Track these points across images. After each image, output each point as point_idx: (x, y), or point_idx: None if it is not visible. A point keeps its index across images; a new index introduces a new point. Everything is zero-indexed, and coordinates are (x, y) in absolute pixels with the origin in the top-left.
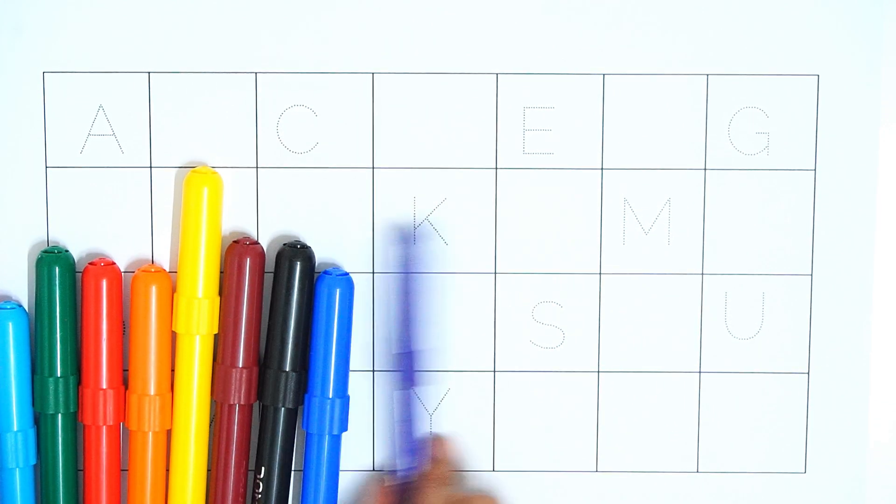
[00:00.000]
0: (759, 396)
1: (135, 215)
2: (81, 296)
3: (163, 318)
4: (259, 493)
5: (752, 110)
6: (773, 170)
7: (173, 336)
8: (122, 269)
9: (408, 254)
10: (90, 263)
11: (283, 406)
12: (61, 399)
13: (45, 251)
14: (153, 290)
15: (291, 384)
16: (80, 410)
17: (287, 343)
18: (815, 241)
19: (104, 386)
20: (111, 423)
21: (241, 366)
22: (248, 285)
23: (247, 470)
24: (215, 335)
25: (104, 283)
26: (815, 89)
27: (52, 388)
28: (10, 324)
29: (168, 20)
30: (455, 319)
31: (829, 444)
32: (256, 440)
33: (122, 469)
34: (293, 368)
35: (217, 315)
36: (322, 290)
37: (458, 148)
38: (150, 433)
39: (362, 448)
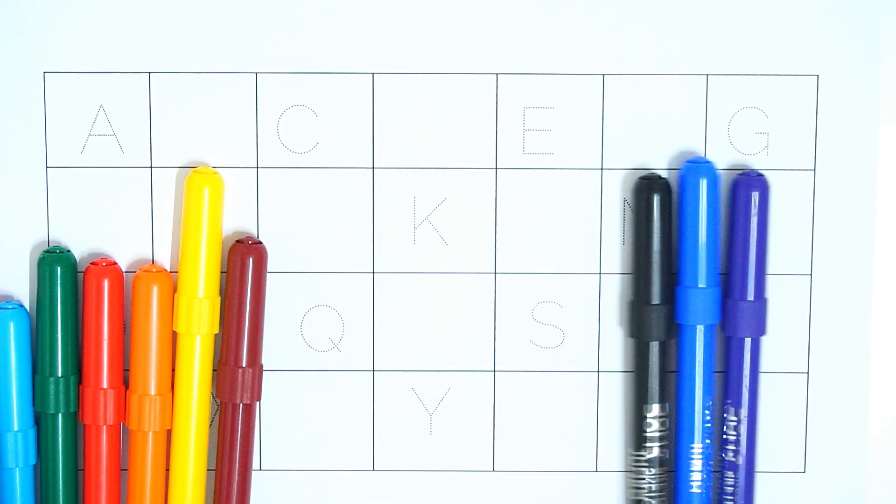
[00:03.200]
0: (759, 396)
1: (135, 215)
2: (82, 296)
3: (164, 318)
4: None
5: (752, 110)
6: (773, 170)
7: (174, 336)
8: (123, 269)
9: None
10: (92, 263)
11: None
12: (62, 399)
13: (47, 251)
14: (154, 290)
15: None
16: (80, 410)
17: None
18: (814, 240)
19: (105, 386)
20: (111, 423)
21: (245, 365)
22: (252, 285)
23: (251, 470)
24: (216, 335)
25: (105, 283)
26: (814, 89)
27: (52, 387)
28: (12, 324)
29: (168, 20)
30: (455, 319)
31: (829, 443)
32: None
33: (122, 469)
34: None
35: (217, 315)
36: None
37: (458, 148)
38: (151, 433)
39: (362, 448)
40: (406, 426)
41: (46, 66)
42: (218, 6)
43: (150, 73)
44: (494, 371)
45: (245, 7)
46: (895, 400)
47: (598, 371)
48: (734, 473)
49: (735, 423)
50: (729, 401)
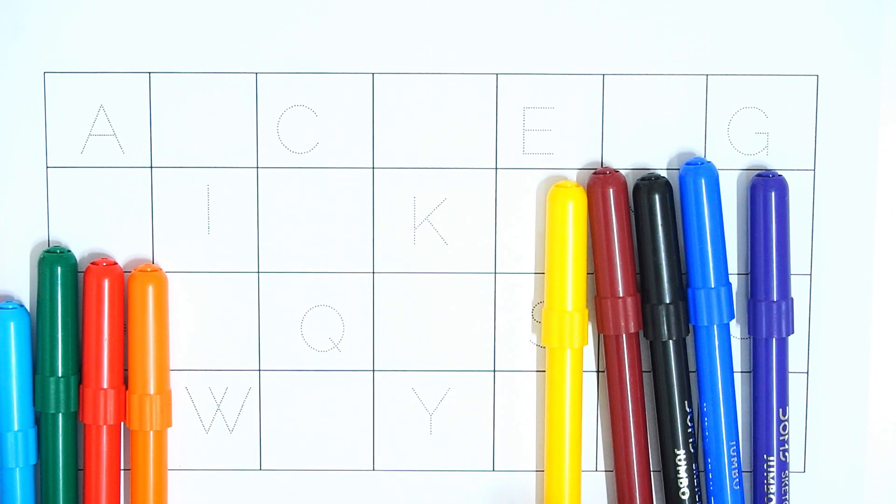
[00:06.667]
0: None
1: (135, 215)
2: (83, 296)
3: (160, 317)
4: None
5: (752, 110)
6: (773, 170)
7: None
8: (124, 269)
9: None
10: (92, 263)
11: None
12: (62, 399)
13: (48, 251)
14: (150, 289)
15: None
16: (80, 410)
17: None
18: (814, 240)
19: (105, 385)
20: (112, 423)
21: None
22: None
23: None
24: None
25: (106, 283)
26: (814, 89)
27: (52, 387)
28: (12, 324)
29: (168, 20)
30: (455, 319)
31: (829, 443)
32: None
33: (122, 469)
34: None
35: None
36: None
37: (458, 148)
38: (151, 433)
39: (362, 448)
40: (406, 426)
41: (46, 66)
42: (218, 6)
43: (150, 73)
44: (494, 371)
45: (245, 7)
46: (895, 400)
47: (598, 371)
48: (786, 472)
49: (785, 423)
50: (770, 401)
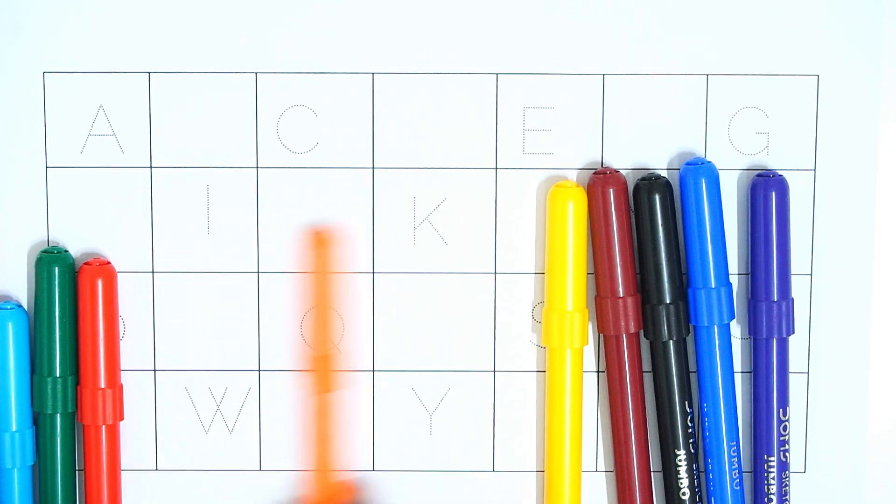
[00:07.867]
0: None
1: (135, 215)
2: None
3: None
4: None
5: (752, 110)
6: (773, 170)
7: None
8: (123, 269)
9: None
10: (85, 263)
11: None
12: (60, 399)
13: (45, 251)
14: (99, 283)
15: None
16: (78, 410)
17: None
18: (814, 241)
19: (102, 385)
20: (110, 423)
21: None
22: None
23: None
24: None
25: (99, 283)
26: (814, 89)
27: (50, 387)
28: (10, 324)
29: (168, 20)
30: (455, 319)
31: (829, 443)
32: None
33: (121, 469)
34: None
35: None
36: None
37: (458, 148)
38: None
39: (362, 448)
40: (406, 426)
41: (46, 66)
42: (218, 6)
43: (150, 73)
44: (494, 371)
45: (245, 7)
46: (895, 400)
47: (598, 371)
48: (786, 472)
49: (786, 424)
50: (770, 401)
